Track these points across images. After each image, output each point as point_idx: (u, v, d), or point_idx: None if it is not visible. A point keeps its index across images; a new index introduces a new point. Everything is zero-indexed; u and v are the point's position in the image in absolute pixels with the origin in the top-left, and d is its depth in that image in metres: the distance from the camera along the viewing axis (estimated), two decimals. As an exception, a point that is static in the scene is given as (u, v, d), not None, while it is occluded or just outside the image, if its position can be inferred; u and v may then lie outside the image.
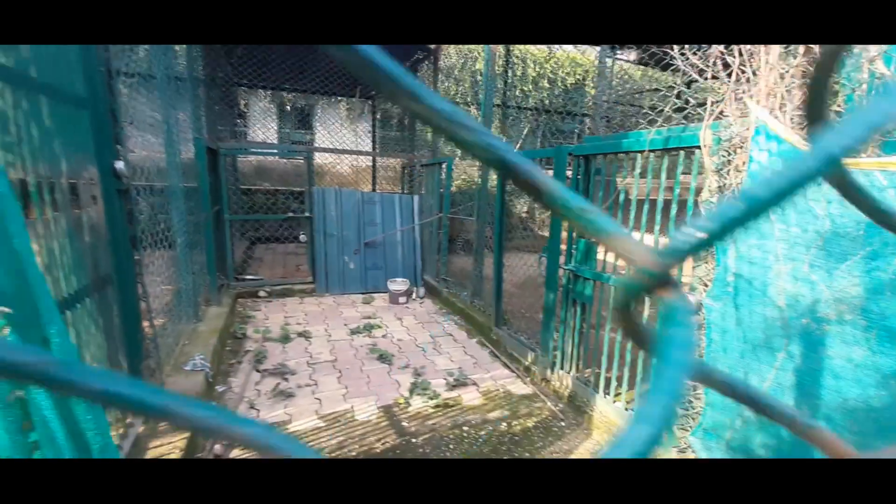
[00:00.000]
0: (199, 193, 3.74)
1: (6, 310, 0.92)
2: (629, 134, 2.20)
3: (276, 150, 7.92)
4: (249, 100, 9.91)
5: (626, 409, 2.34)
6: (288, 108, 10.48)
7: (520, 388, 2.95)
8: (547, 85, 9.22)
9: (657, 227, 2.11)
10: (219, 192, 4.44)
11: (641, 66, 8.51)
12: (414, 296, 4.93)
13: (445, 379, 2.97)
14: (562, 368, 2.80)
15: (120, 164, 1.92)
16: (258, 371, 3.04)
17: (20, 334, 0.96)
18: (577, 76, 9.40)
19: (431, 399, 2.72)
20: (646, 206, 2.17)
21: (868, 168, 1.21)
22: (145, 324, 2.22)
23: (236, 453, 2.15)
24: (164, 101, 2.81)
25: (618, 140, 2.25)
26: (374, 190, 8.51)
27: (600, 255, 2.54)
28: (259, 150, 7.03)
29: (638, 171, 2.20)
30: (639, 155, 2.19)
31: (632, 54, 9.36)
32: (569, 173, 2.65)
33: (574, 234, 2.64)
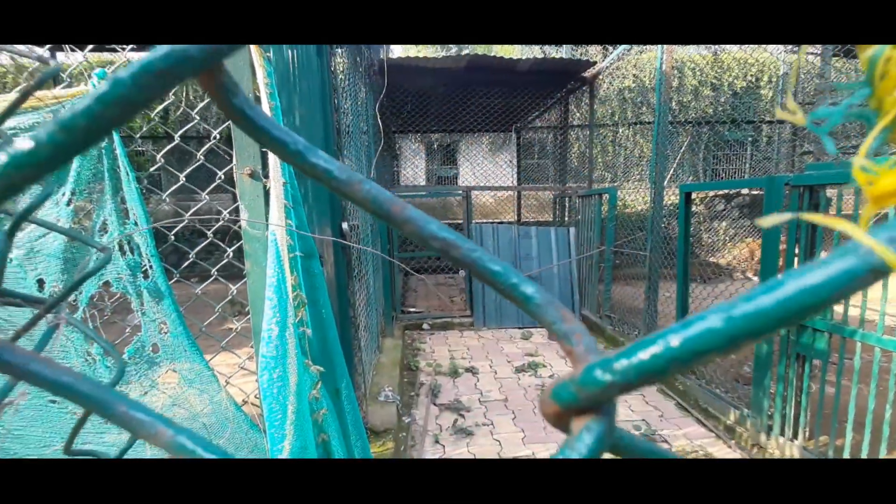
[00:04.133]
0: (379, 234, 4.19)
1: (320, 368, 1.11)
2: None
3: (443, 192, 8.52)
4: (402, 143, 11.00)
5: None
6: (435, 146, 11.34)
7: (723, 451, 2.56)
8: (709, 92, 8.27)
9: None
10: (389, 232, 4.93)
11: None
12: (573, 332, 4.73)
13: (630, 432, 2.73)
14: (782, 435, 2.36)
15: (345, 225, 2.26)
16: (435, 405, 3.21)
17: (324, 388, 1.15)
18: (749, 78, 8.24)
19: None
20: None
21: None
22: (356, 358, 2.53)
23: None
24: (358, 155, 3.25)
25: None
26: (518, 220, 8.58)
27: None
28: (429, 193, 7.64)
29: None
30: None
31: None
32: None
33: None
